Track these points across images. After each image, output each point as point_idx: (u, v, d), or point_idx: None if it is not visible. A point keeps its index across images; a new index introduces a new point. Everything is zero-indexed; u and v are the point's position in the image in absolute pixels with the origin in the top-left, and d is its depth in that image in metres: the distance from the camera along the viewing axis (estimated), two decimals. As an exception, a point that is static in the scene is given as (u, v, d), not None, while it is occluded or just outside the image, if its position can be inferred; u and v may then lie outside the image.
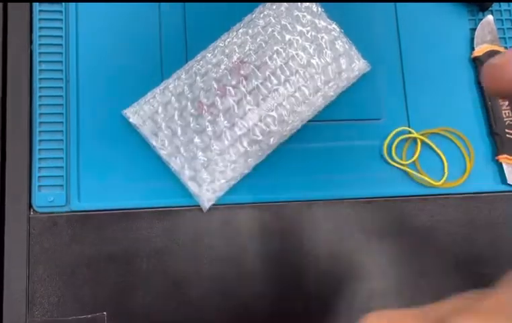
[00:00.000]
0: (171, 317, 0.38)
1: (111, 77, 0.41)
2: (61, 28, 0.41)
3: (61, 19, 0.41)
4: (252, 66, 0.41)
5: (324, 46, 0.42)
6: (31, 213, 0.38)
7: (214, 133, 0.40)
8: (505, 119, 0.44)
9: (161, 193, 0.40)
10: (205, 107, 0.40)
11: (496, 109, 0.44)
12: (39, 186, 0.38)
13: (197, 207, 0.39)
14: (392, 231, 0.42)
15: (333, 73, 0.42)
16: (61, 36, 0.41)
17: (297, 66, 0.42)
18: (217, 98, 0.40)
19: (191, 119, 0.40)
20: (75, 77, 0.41)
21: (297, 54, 0.42)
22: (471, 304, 0.14)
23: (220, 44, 0.42)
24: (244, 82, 0.41)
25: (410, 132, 0.44)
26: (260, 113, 0.40)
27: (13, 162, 0.38)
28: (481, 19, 0.47)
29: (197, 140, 0.39)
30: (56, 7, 0.42)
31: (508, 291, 0.14)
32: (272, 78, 0.41)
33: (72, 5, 0.42)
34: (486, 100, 0.45)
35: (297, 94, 0.41)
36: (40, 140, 0.39)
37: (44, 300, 0.37)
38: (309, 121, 0.42)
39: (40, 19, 0.41)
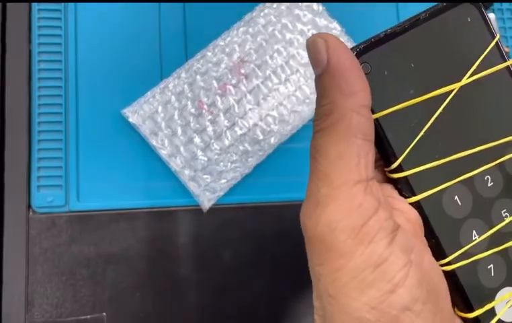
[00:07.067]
0: (170, 317, 0.38)
1: (110, 76, 0.41)
2: (60, 27, 0.41)
3: (60, 19, 0.41)
4: (252, 65, 0.41)
5: (324, 45, 0.42)
6: (30, 214, 0.38)
7: (214, 133, 0.39)
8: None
9: (161, 193, 0.39)
10: (205, 106, 0.40)
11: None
12: (39, 186, 0.38)
13: (197, 207, 0.39)
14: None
15: (334, 72, 0.42)
16: (60, 36, 0.41)
17: (298, 65, 0.41)
18: (217, 97, 0.40)
19: (191, 118, 0.40)
20: (74, 76, 0.40)
21: (297, 52, 0.42)
22: None
23: (221, 43, 0.42)
24: (244, 81, 0.41)
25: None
26: (260, 112, 0.40)
27: (12, 162, 0.38)
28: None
29: (197, 139, 0.39)
30: (55, 6, 0.41)
31: None
32: (273, 77, 0.41)
33: (71, 4, 0.41)
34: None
35: (298, 93, 0.41)
36: (39, 140, 0.39)
37: (43, 301, 0.37)
38: (310, 120, 0.42)
39: (39, 19, 0.41)
